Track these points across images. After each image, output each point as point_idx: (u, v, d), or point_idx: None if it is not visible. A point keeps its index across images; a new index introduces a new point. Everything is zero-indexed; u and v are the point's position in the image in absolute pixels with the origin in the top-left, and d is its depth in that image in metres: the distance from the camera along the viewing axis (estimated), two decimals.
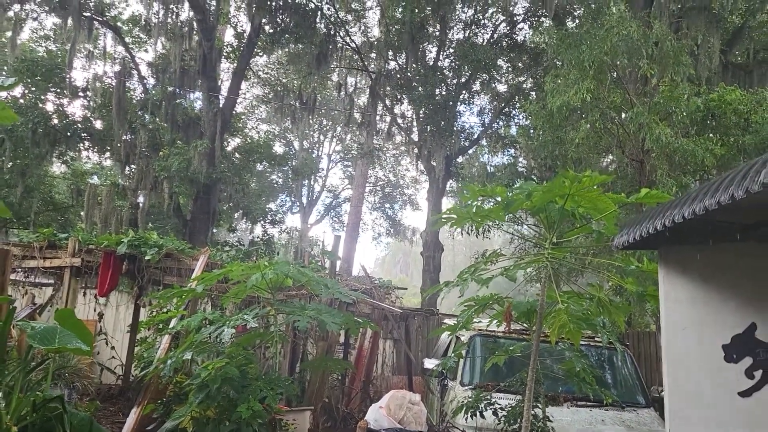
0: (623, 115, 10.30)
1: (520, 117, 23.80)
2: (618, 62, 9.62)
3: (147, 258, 9.44)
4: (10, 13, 20.13)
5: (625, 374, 8.69)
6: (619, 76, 10.29)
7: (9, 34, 20.49)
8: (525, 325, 6.93)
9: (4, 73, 23.38)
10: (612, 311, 5.96)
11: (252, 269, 6.73)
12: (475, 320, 6.82)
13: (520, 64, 23.60)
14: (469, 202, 5.53)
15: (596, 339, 8.36)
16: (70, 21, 19.92)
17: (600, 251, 7.75)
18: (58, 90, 22.69)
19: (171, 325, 8.21)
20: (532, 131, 15.22)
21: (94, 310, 12.40)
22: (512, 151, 23.43)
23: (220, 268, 7.37)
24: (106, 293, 9.93)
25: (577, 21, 20.34)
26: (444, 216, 5.34)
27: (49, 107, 23.16)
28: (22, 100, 22.28)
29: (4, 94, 25.33)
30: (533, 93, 22.52)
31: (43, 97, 22.60)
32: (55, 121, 22.66)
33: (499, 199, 5.30)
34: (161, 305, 9.44)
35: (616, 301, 7.89)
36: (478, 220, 5.64)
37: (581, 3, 13.86)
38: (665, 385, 4.73)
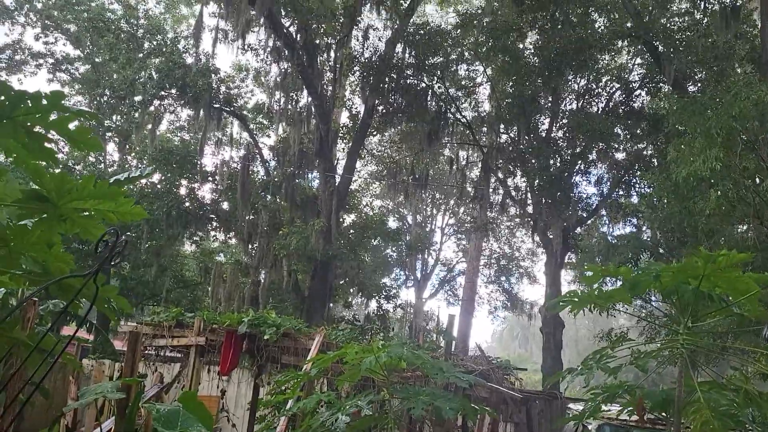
0: (759, 182, 9.45)
1: (641, 185, 22.73)
2: (748, 126, 8.91)
3: (266, 337, 9.66)
4: (151, 108, 22.32)
5: None
6: (750, 141, 9.53)
7: (149, 126, 22.65)
8: (660, 415, 6.28)
9: (144, 161, 25.78)
10: (762, 404, 5.26)
11: (366, 352, 6.65)
12: (603, 407, 6.30)
13: (638, 131, 22.72)
14: (590, 285, 5.20)
15: None
16: (201, 112, 21.78)
17: (741, 332, 6.98)
18: (190, 175, 24.62)
19: (287, 407, 8.24)
20: (656, 201, 14.40)
21: (217, 387, 12.81)
22: (634, 220, 22.24)
23: (336, 348, 7.37)
24: (228, 371, 10.22)
25: (699, 85, 19.46)
26: (563, 300, 5.04)
27: (182, 191, 25.15)
28: (159, 186, 24.36)
29: (144, 181, 27.87)
30: (654, 160, 21.49)
31: (177, 183, 24.59)
32: (187, 204, 24.50)
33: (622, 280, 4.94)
34: (279, 386, 9.54)
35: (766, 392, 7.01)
36: (600, 303, 5.27)
37: (702, 66, 13.21)
38: None
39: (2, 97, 2.76)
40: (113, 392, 5.90)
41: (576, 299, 4.96)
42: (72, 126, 2.96)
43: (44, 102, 2.82)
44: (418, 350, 7.65)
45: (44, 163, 3.00)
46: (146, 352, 11.47)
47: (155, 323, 11.14)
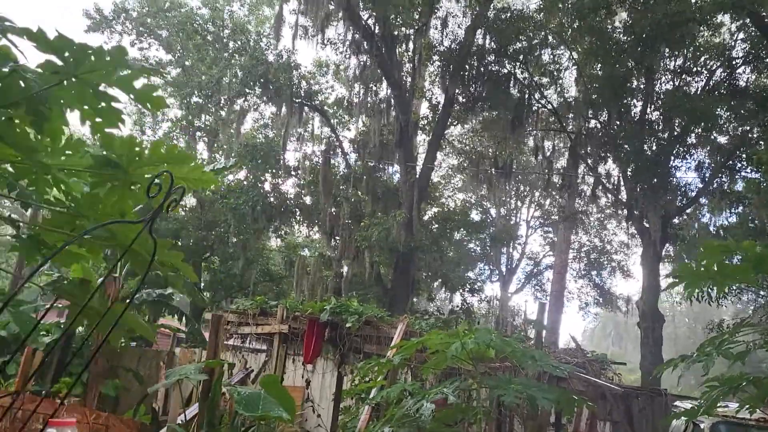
0: None
1: (747, 170, 21.04)
2: None
3: (348, 325, 9.47)
4: (236, 107, 22.82)
5: None
6: None
7: (234, 124, 23.17)
8: None
9: (231, 158, 26.49)
10: None
11: (451, 338, 6.27)
12: (719, 404, 5.64)
13: (743, 111, 21.00)
14: (704, 262, 4.59)
15: None
16: (284, 108, 22.04)
17: None
18: (274, 170, 25.03)
19: (371, 396, 8.00)
20: (764, 184, 13.14)
21: (302, 377, 12.79)
22: (740, 208, 20.56)
23: (419, 336, 7.04)
24: (311, 360, 10.11)
25: None
26: (678, 276, 4.46)
27: (266, 187, 25.60)
28: (245, 182, 24.91)
29: (230, 177, 28.62)
30: (762, 143, 19.82)
31: (261, 178, 25.06)
32: (272, 198, 24.92)
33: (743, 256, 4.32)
34: (363, 375, 9.34)
35: None
36: (719, 281, 4.65)
37: None
38: None
39: (66, 54, 2.59)
40: (196, 374, 5.85)
41: (691, 275, 4.39)
42: (137, 84, 2.77)
43: (107, 58, 2.63)
44: (510, 338, 7.20)
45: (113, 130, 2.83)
46: (232, 341, 11.57)
47: (240, 311, 11.23)
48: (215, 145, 29.72)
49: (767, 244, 4.34)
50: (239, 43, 23.91)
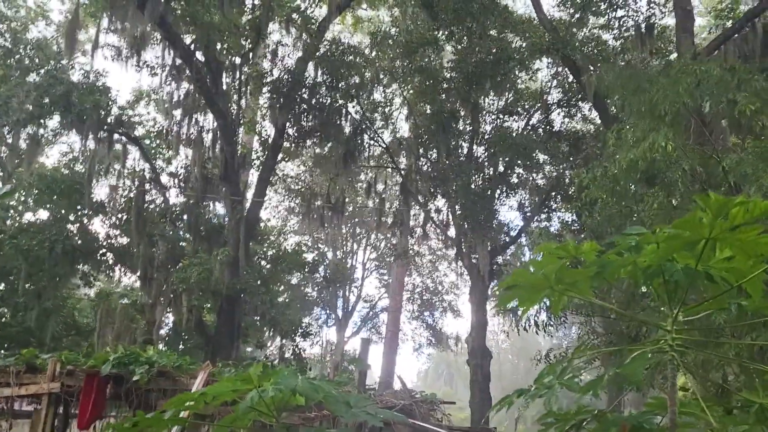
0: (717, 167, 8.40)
1: (562, 210, 22.25)
2: (703, 103, 7.89)
3: (135, 378, 7.72)
4: (26, 130, 19.82)
5: None
6: (703, 123, 8.62)
7: (28, 151, 20.15)
8: None
9: (33, 193, 22.88)
10: None
11: (244, 384, 4.90)
12: None
13: (559, 155, 22.24)
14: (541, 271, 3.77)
15: None
16: (90, 136, 19.52)
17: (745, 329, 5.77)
18: (79, 207, 22.09)
19: None
20: (580, 215, 13.45)
21: None
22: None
23: None
24: (88, 424, 8.14)
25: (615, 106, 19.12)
26: (511, 286, 3.57)
27: (71, 227, 22.50)
28: (41, 220, 21.69)
29: (30, 216, 24.94)
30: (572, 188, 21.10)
31: (63, 215, 21.98)
32: (77, 239, 21.88)
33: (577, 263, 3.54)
34: None
35: None
36: (557, 293, 3.79)
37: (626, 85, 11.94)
38: None
39: None
40: None
41: (528, 283, 3.52)
42: None
43: None
44: (321, 381, 5.99)
45: None
46: None
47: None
48: (13, 179, 25.84)
49: (608, 243, 3.61)
50: (37, 60, 21.01)
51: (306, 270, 24.78)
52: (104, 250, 22.49)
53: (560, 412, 4.61)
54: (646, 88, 8.13)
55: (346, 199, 24.92)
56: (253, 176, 24.37)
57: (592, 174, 8.92)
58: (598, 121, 22.74)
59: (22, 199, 24.45)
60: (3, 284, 24.54)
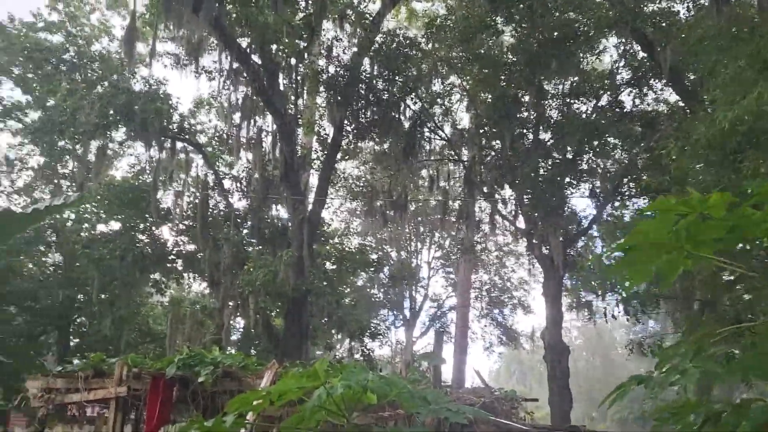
0: None
1: (637, 197, 20.92)
2: None
3: (200, 380, 7.40)
4: (94, 142, 20.23)
5: None
6: None
7: (96, 162, 20.55)
8: None
9: (105, 204, 23.33)
10: None
11: (310, 381, 4.41)
12: None
13: (631, 138, 20.90)
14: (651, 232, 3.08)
15: None
16: (153, 144, 19.73)
17: None
18: (147, 216, 22.43)
19: None
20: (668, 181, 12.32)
21: None
22: None
23: None
24: (156, 429, 7.87)
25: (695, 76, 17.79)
26: (629, 244, 2.92)
27: (140, 235, 22.89)
28: (111, 231, 22.13)
29: (102, 227, 25.55)
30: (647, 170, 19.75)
31: (133, 224, 22.37)
32: (147, 247, 22.21)
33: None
34: None
35: None
36: (682, 255, 3.07)
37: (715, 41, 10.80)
38: None
39: None
40: None
41: (648, 244, 2.86)
42: None
43: None
44: (394, 377, 5.45)
45: None
46: (50, 409, 9.07)
47: (67, 373, 8.83)
48: (84, 191, 26.58)
49: (741, 191, 2.91)
50: (100, 72, 21.45)
51: (371, 270, 24.37)
52: (173, 257, 22.76)
53: (666, 404, 3.81)
54: (746, 38, 7.21)
55: (409, 196, 24.34)
56: (314, 177, 24.18)
57: (682, 143, 8.00)
58: (672, 100, 21.34)
59: (95, 210, 25.08)
60: (80, 294, 25.25)
